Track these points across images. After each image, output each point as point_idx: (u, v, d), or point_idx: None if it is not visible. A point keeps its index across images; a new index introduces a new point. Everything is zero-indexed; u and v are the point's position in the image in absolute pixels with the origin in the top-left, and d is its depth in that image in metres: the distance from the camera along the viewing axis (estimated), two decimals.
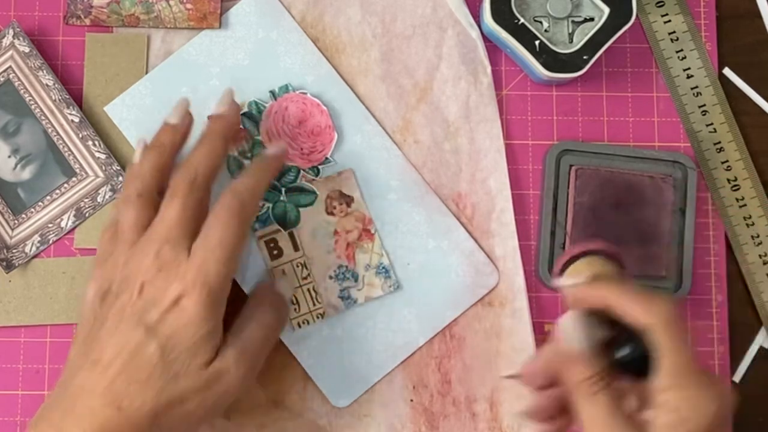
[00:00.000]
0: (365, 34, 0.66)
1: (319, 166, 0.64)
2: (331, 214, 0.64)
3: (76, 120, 0.64)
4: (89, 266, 0.64)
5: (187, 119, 0.59)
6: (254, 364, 0.56)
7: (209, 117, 0.59)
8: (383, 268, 0.64)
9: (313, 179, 0.64)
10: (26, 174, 0.64)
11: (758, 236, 0.65)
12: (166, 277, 0.54)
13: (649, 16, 0.66)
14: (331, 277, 0.63)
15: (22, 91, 0.64)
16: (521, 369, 0.56)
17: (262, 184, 0.58)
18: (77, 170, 0.64)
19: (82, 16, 0.65)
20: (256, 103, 0.64)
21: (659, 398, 0.50)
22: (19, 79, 0.64)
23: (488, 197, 0.65)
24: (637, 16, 0.63)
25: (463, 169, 0.65)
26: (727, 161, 0.65)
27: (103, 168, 0.64)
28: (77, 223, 0.64)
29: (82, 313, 0.56)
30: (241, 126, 0.63)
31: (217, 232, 0.54)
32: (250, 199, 0.56)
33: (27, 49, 0.64)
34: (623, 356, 0.52)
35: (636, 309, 0.51)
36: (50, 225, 0.64)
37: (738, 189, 0.65)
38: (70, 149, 0.64)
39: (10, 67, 0.64)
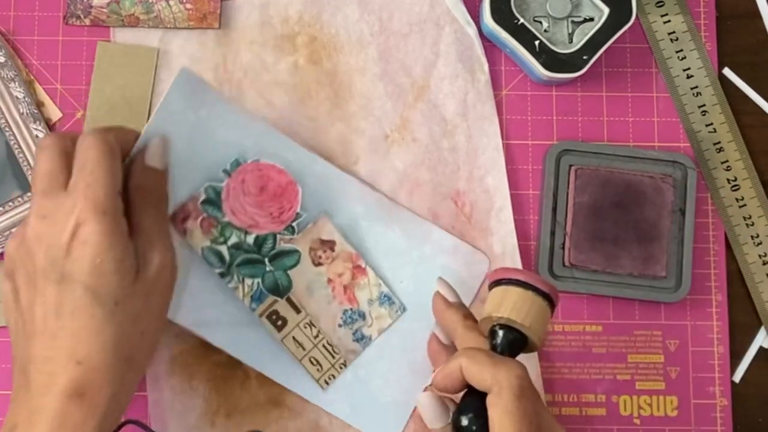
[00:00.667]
0: (363, 32, 0.66)
1: (293, 224, 0.62)
2: (319, 264, 0.63)
3: (41, 135, 0.64)
4: None
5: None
6: (169, 238, 0.55)
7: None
8: (385, 296, 0.63)
9: (292, 238, 0.62)
10: None
11: (758, 236, 0.65)
12: (53, 221, 0.52)
13: (649, 16, 0.66)
14: (340, 325, 0.63)
15: None
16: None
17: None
18: None
19: (82, 16, 0.65)
20: (212, 187, 0.61)
21: None
22: None
23: (486, 195, 0.65)
24: (637, 16, 0.63)
25: (461, 167, 0.65)
26: (727, 161, 0.65)
27: None
28: None
29: (4, 308, 0.55)
30: (204, 213, 0.61)
31: (90, 161, 0.52)
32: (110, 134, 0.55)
33: (2, 59, 0.64)
34: (467, 422, 0.51)
35: (483, 372, 0.51)
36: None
37: (738, 189, 0.65)
38: (29, 164, 0.64)
39: None
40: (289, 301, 0.62)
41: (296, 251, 0.63)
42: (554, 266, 0.64)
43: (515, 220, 0.65)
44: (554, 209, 0.64)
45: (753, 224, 0.65)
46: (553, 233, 0.64)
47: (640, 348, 0.65)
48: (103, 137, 0.53)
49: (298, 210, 0.62)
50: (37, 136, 0.64)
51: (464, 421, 0.51)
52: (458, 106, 0.66)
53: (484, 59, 0.66)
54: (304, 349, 0.62)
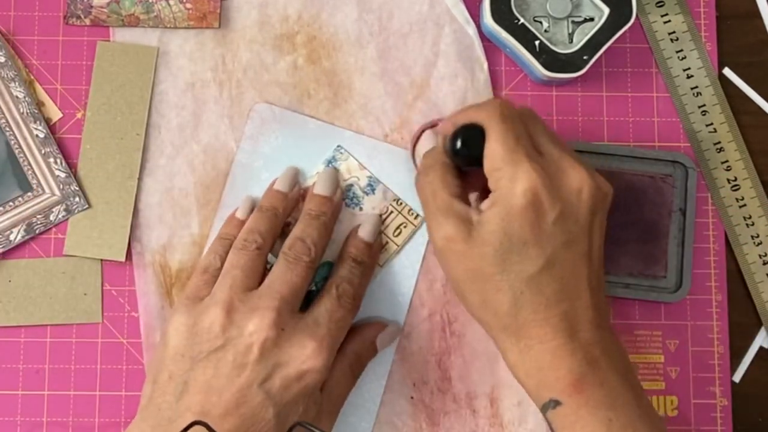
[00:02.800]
0: (362, 31, 0.66)
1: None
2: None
3: (41, 135, 0.64)
4: (89, 267, 0.64)
5: (296, 188, 0.63)
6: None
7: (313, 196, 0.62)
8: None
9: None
10: None
11: (758, 236, 0.65)
12: (288, 345, 0.55)
13: (649, 16, 0.66)
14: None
15: None
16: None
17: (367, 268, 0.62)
18: (34, 185, 0.64)
19: (82, 16, 0.65)
20: None
21: (488, 182, 0.55)
22: None
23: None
24: (637, 16, 0.63)
25: None
26: (727, 161, 0.65)
27: (61, 187, 0.64)
28: (26, 237, 0.64)
29: (166, 344, 0.57)
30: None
31: (339, 312, 0.58)
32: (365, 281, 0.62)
33: (2, 59, 0.64)
34: (460, 147, 0.57)
35: (471, 111, 0.57)
36: None
37: (738, 189, 0.65)
38: (30, 164, 0.64)
39: None
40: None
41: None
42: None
43: None
44: None
45: (753, 224, 0.65)
46: None
47: (640, 348, 0.65)
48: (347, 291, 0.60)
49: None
50: (37, 136, 0.64)
51: (458, 144, 0.57)
52: (458, 106, 0.65)
53: (483, 58, 0.66)
54: (389, 243, 0.64)
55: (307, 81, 0.66)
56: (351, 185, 0.64)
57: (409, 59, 0.66)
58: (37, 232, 0.64)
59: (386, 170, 0.64)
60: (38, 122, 0.64)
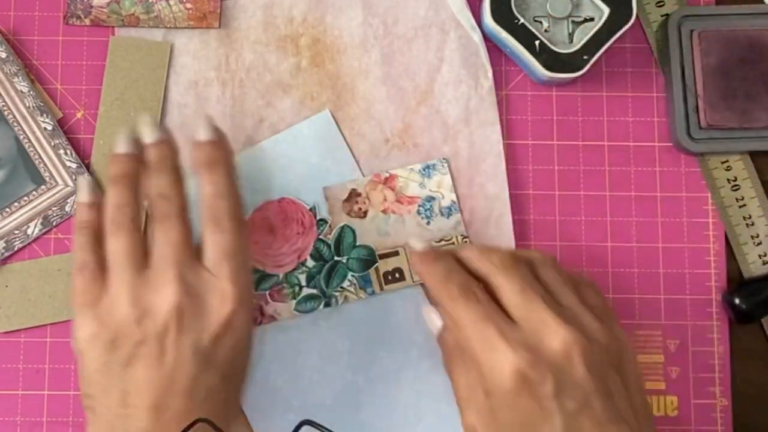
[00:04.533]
0: (366, 35, 0.66)
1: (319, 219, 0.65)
2: (365, 213, 0.64)
3: (49, 128, 0.64)
4: None
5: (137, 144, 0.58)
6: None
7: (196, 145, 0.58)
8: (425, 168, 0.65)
9: (329, 225, 0.64)
10: None
11: (758, 236, 0.65)
12: (202, 300, 0.53)
13: (649, 16, 0.67)
14: (428, 222, 0.64)
15: None
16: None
17: (229, 181, 0.57)
18: (47, 178, 0.64)
19: (82, 16, 0.65)
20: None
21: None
22: None
23: (487, 202, 0.65)
24: (637, 16, 0.63)
25: (462, 173, 0.65)
26: (727, 161, 0.66)
27: (73, 177, 0.64)
28: (44, 230, 0.64)
29: (83, 366, 0.54)
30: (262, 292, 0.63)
31: (232, 244, 0.55)
32: (235, 198, 0.57)
33: (4, 55, 0.64)
34: None
35: (434, 291, 0.55)
36: (16, 232, 0.64)
37: (738, 189, 0.65)
38: (40, 157, 0.64)
39: None
40: (383, 256, 0.64)
41: (342, 227, 0.64)
42: (691, 130, 0.64)
43: (514, 221, 0.65)
44: (682, 75, 0.65)
45: (753, 224, 0.65)
46: (685, 99, 0.65)
47: (640, 348, 0.65)
48: (238, 221, 0.56)
49: (320, 216, 0.64)
50: (45, 129, 0.64)
51: None
52: (461, 112, 0.66)
53: (488, 65, 0.66)
54: None
55: (311, 83, 0.66)
56: (432, 198, 0.64)
57: (414, 64, 0.66)
58: (54, 224, 0.64)
59: None
60: (45, 115, 0.64)
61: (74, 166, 0.64)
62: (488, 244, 0.59)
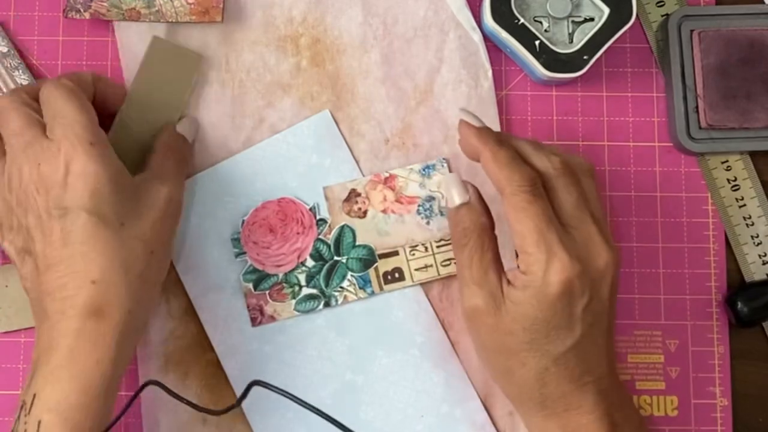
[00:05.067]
0: (366, 35, 0.66)
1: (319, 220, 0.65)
2: (364, 213, 0.64)
3: None
4: None
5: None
6: (182, 183, 0.60)
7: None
8: (426, 168, 0.65)
9: (328, 225, 0.64)
10: None
11: (758, 236, 0.65)
12: (46, 166, 0.54)
13: (649, 16, 0.67)
14: (427, 222, 0.64)
15: None
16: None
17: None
18: None
19: (82, 10, 0.64)
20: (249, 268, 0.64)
21: (518, 258, 0.55)
22: None
23: (486, 202, 0.65)
24: (637, 16, 0.63)
25: (461, 173, 0.65)
26: (727, 161, 0.66)
27: None
28: None
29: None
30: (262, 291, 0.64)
31: (58, 106, 0.56)
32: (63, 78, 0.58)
33: (5, 49, 0.64)
34: None
35: (498, 175, 0.55)
36: None
37: (738, 189, 0.65)
38: None
39: None
40: (382, 255, 0.64)
41: (342, 227, 0.64)
42: (691, 130, 0.64)
43: None
44: (682, 75, 0.65)
45: (753, 224, 0.65)
46: (685, 98, 0.65)
47: (640, 348, 0.65)
48: (59, 82, 0.57)
49: (319, 216, 0.64)
50: None
51: None
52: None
53: (488, 66, 0.66)
54: (433, 267, 0.64)
55: (310, 83, 0.66)
56: (432, 198, 0.64)
57: (413, 64, 0.66)
58: None
59: None
60: None
61: None
62: (537, 140, 0.59)
